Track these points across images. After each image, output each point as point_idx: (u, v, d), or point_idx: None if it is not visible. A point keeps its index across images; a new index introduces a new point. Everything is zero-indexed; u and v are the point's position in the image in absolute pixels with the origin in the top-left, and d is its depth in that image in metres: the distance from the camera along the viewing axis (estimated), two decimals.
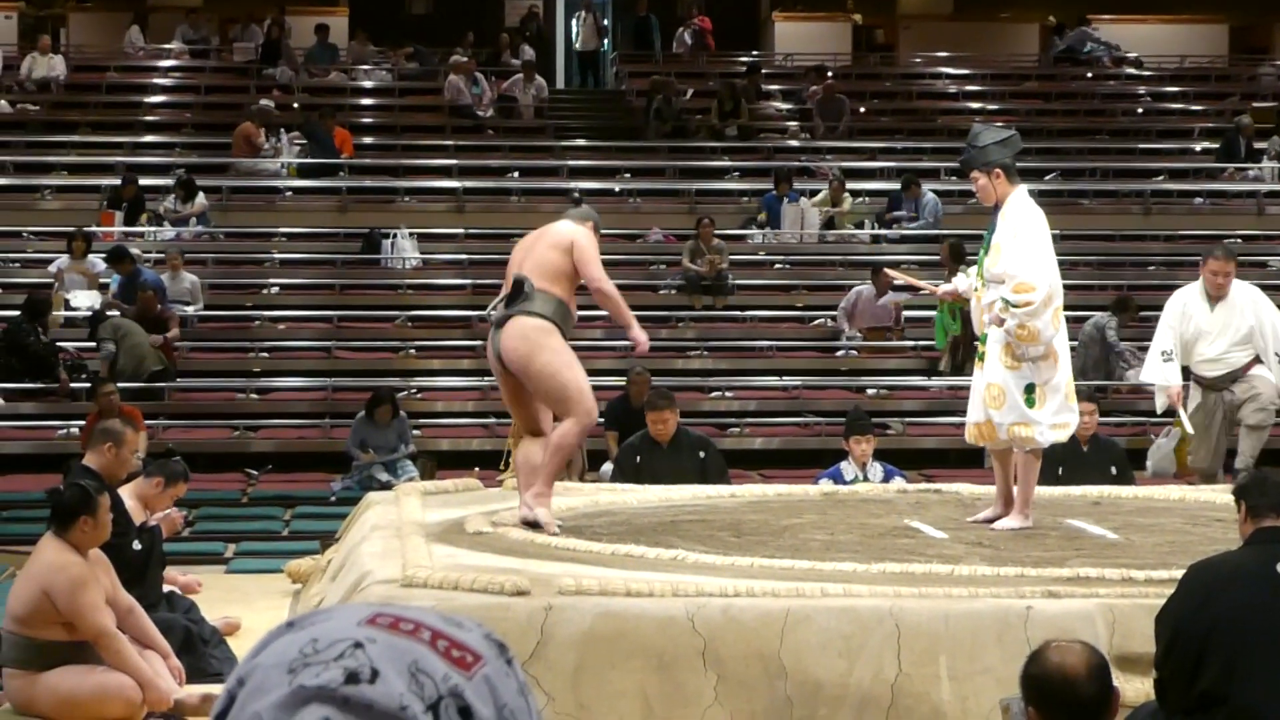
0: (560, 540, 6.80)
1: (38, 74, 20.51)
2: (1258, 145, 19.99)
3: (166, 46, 22.13)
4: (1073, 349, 14.31)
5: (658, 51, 23.11)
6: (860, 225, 18.16)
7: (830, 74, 21.53)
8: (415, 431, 13.16)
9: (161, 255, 16.14)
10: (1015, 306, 7.09)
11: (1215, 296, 9.09)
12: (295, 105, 20.34)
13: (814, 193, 18.23)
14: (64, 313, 15.16)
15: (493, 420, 13.70)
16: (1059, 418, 7.25)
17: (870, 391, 14.80)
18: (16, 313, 14.40)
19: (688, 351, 15.65)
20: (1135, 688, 5.17)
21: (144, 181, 17.61)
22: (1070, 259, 15.08)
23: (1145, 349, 14.82)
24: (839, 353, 15.72)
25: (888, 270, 13.63)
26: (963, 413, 7.66)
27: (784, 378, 15.04)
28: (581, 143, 20.28)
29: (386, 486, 10.62)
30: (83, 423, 12.67)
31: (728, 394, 14.76)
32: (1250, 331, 9.09)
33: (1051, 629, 5.40)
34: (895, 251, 17.30)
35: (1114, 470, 9.84)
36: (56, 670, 6.42)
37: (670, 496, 8.40)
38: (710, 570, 6.22)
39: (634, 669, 5.60)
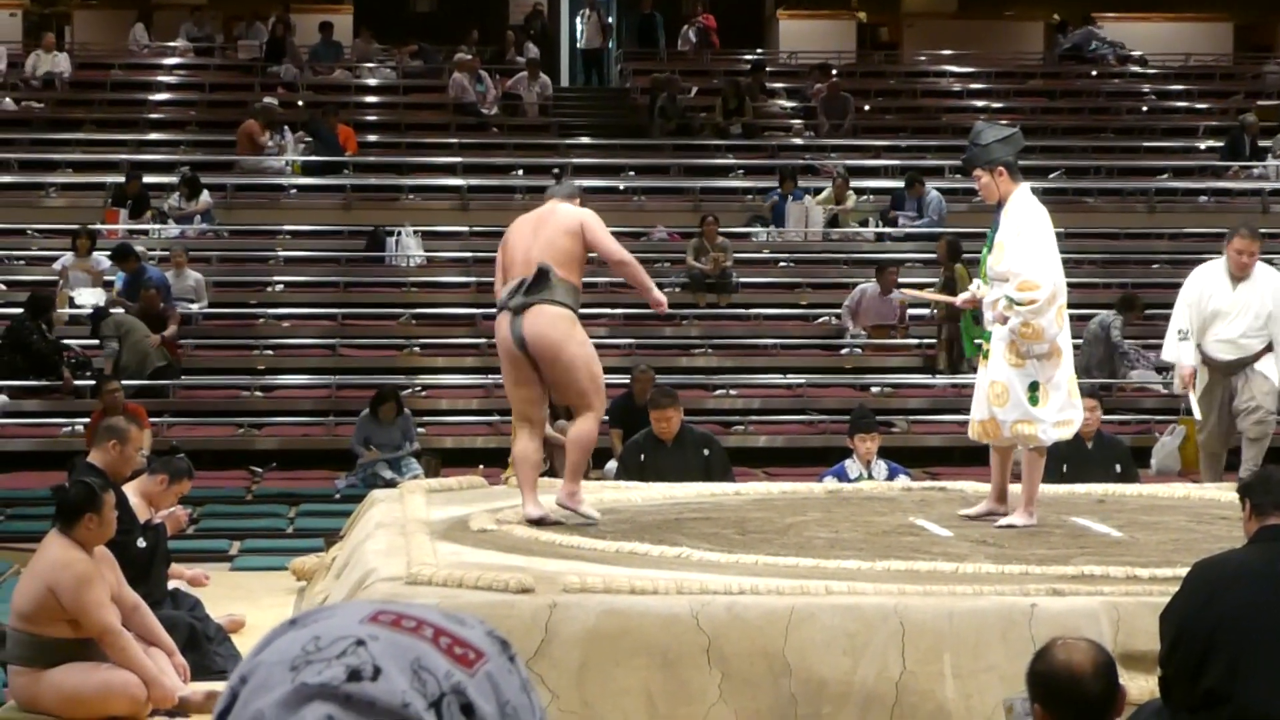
0: (564, 538, 6.81)
1: (42, 71, 20.51)
2: (1262, 143, 19.98)
3: (171, 44, 22.14)
4: (1076, 347, 14.36)
5: (662, 49, 23.10)
6: (864, 223, 18.16)
7: (834, 72, 21.51)
8: (419, 429, 13.16)
9: (166, 253, 16.15)
10: (1020, 304, 7.09)
11: (1238, 276, 8.95)
12: (300, 103, 20.35)
13: (818, 191, 18.23)
14: (68, 310, 15.17)
15: (497, 418, 13.70)
16: (1063, 415, 7.26)
17: (874, 389, 14.80)
18: (21, 310, 14.41)
19: (692, 349, 15.65)
20: (1140, 686, 5.16)
21: (148, 179, 17.62)
22: (1075, 257, 15.07)
23: (1150, 347, 14.89)
24: (843, 351, 15.71)
25: (905, 291, 13.65)
26: (967, 410, 7.66)
27: (788, 376, 15.04)
28: (586, 141, 20.28)
29: (391, 484, 10.63)
30: (87, 420, 12.68)
31: (732, 392, 14.76)
32: (1269, 316, 8.98)
33: (1056, 627, 5.40)
34: (899, 250, 17.30)
35: (1118, 468, 9.83)
36: (61, 667, 6.42)
37: (675, 494, 8.40)
38: (715, 568, 6.23)
39: (638, 667, 5.60)
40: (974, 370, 7.73)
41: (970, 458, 11.85)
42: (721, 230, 16.63)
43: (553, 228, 7.07)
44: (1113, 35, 23.52)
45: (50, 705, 6.45)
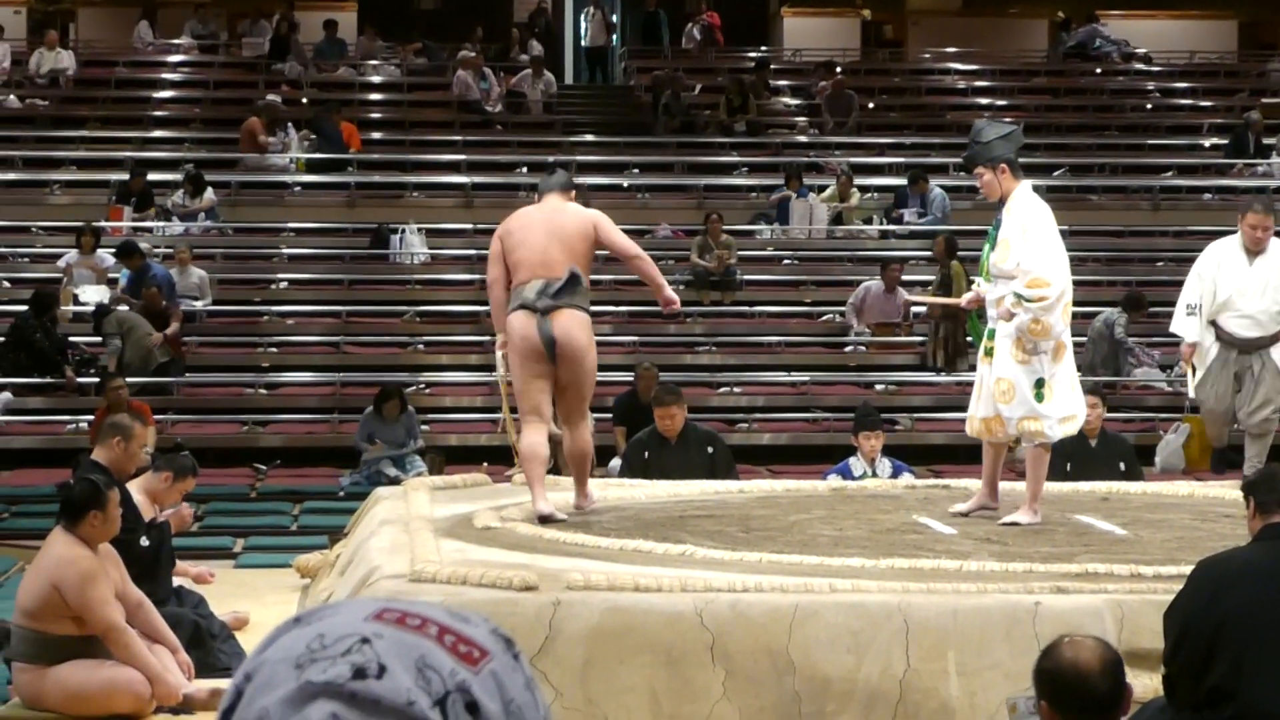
0: (568, 535, 6.81)
1: (46, 69, 20.52)
2: (1267, 141, 19.96)
3: (175, 42, 22.14)
4: (1081, 345, 14.36)
5: (666, 47, 23.10)
6: (869, 221, 18.15)
7: (839, 70, 21.51)
8: (424, 427, 13.17)
9: (170, 250, 16.16)
10: (1029, 301, 7.10)
11: (1254, 251, 8.89)
12: (304, 100, 20.35)
13: (822, 188, 18.23)
14: (72, 308, 15.17)
15: (501, 415, 13.69)
16: (1067, 411, 7.27)
17: (879, 387, 14.80)
18: (25, 308, 14.42)
19: (696, 347, 15.65)
20: (1144, 683, 5.16)
21: (152, 176, 17.63)
22: (1079, 254, 15.06)
23: (1154, 345, 14.89)
24: (847, 348, 15.71)
25: (909, 298, 13.68)
26: None
27: (792, 373, 15.04)
28: (590, 138, 20.28)
29: (395, 481, 10.63)
30: (91, 417, 12.69)
31: (736, 389, 14.76)
32: None
33: (1060, 624, 5.40)
34: (904, 247, 17.30)
35: (1122, 466, 9.82)
36: (66, 665, 6.42)
37: (678, 492, 8.40)
38: (718, 565, 6.22)
39: (642, 664, 5.60)
40: (972, 367, 7.73)
41: (975, 455, 11.76)
42: (726, 228, 16.63)
43: (570, 231, 7.16)
44: (1117, 33, 23.50)
45: (55, 702, 6.45)
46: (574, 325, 7.09)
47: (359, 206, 18.10)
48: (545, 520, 7.06)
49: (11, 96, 20.09)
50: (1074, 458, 9.51)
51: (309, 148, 18.94)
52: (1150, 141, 20.57)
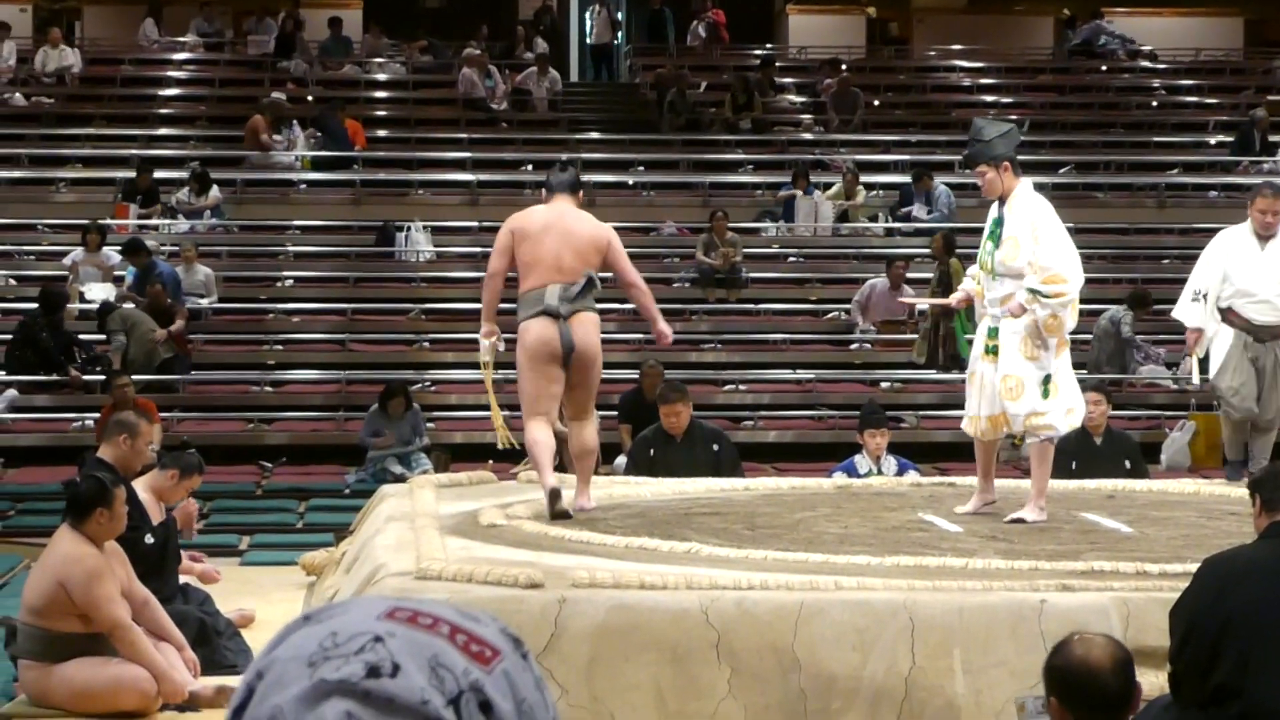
0: (574, 533, 6.82)
1: (51, 66, 20.53)
2: (1272, 138, 19.95)
3: (181, 39, 22.14)
4: (1087, 342, 14.36)
5: (671, 44, 23.09)
6: (874, 218, 18.15)
7: (844, 67, 21.50)
8: (429, 424, 13.17)
9: (176, 248, 16.17)
10: (1047, 297, 7.16)
11: (1264, 235, 8.85)
12: (309, 98, 20.36)
13: (828, 186, 18.23)
14: (78, 305, 15.18)
15: (506, 413, 13.68)
16: (1069, 404, 7.35)
17: (884, 385, 14.80)
18: (32, 305, 14.44)
19: (701, 344, 15.65)
20: (1150, 681, 5.15)
21: (158, 174, 17.64)
22: (1084, 252, 14.88)
23: (1160, 343, 14.88)
24: (853, 346, 15.71)
25: (902, 300, 13.71)
26: None
27: (798, 371, 15.04)
28: (595, 136, 20.28)
29: (401, 479, 10.64)
30: (97, 415, 12.70)
31: (741, 387, 14.76)
32: None
33: (1065, 622, 5.40)
34: (910, 244, 17.29)
35: (1128, 464, 9.81)
36: (72, 662, 6.43)
37: (684, 489, 8.41)
38: (724, 563, 6.23)
39: (648, 662, 5.61)
40: (962, 370, 7.76)
41: None
42: (731, 225, 16.63)
43: (585, 240, 7.25)
44: (1123, 30, 23.49)
45: (61, 700, 6.46)
46: (592, 330, 7.25)
47: (364, 204, 18.11)
48: (555, 495, 7.13)
49: (17, 94, 20.11)
50: (1079, 455, 9.50)
51: (314, 145, 18.94)
52: (1156, 139, 20.56)
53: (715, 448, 9.65)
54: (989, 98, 21.63)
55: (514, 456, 10.91)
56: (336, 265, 16.94)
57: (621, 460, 10.94)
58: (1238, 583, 4.54)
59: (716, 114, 20.41)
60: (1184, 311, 8.90)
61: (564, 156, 18.98)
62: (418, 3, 25.38)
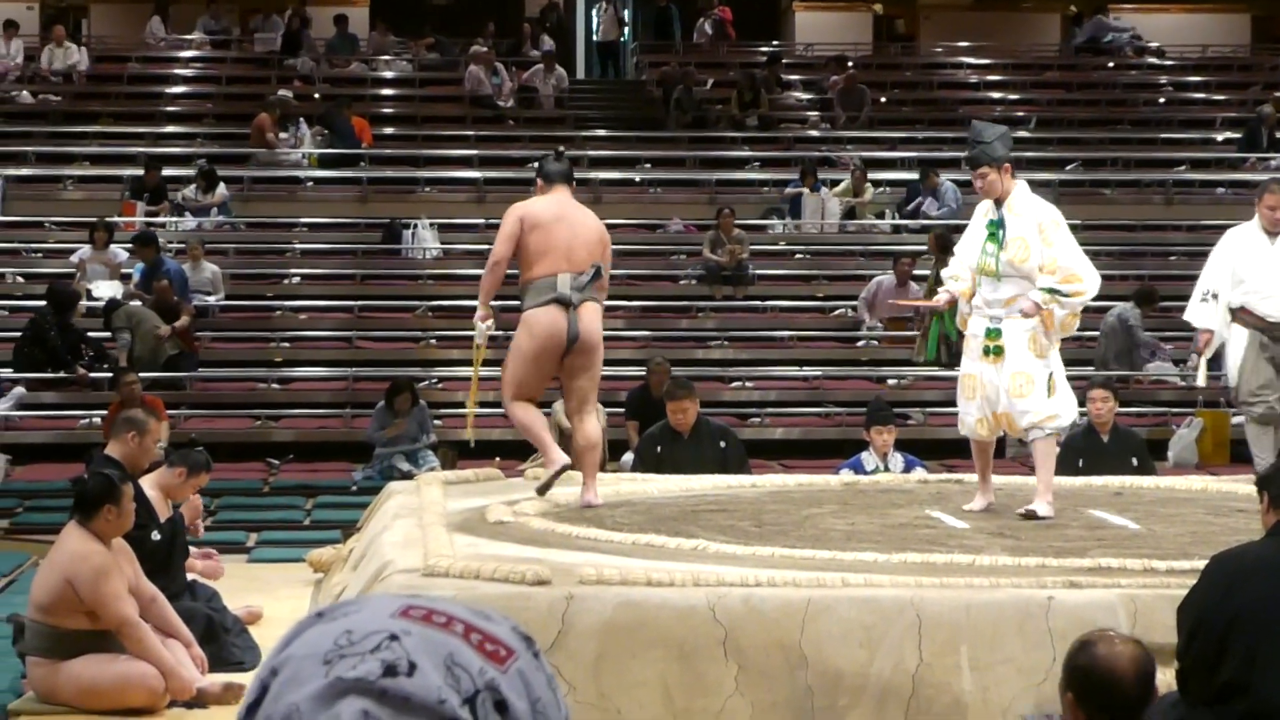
0: (581, 530, 6.82)
1: (57, 64, 20.54)
2: None
3: (188, 37, 22.15)
4: (1093, 340, 14.35)
5: (678, 42, 23.09)
6: (881, 215, 18.14)
7: (851, 64, 21.48)
8: (436, 421, 13.17)
9: (183, 245, 16.18)
10: (1065, 296, 7.23)
11: (1273, 232, 8.82)
12: (316, 96, 20.37)
13: (835, 183, 18.22)
14: (85, 303, 15.19)
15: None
16: (1069, 400, 7.45)
17: (891, 382, 14.79)
18: (40, 303, 14.45)
19: (708, 341, 15.64)
20: (1157, 678, 5.16)
21: (165, 172, 17.65)
22: (1091, 249, 14.91)
23: (1167, 340, 14.86)
24: (859, 343, 15.71)
25: (893, 301, 13.73)
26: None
27: (804, 368, 15.04)
28: (602, 133, 20.28)
29: (408, 476, 10.65)
30: (104, 412, 12.70)
31: (748, 384, 14.76)
32: None
33: (1073, 619, 5.41)
34: (916, 241, 17.27)
35: (1135, 461, 9.80)
36: (79, 659, 6.44)
37: (691, 486, 8.41)
38: (731, 560, 6.23)
39: (655, 659, 5.61)
40: (941, 366, 7.82)
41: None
42: (738, 222, 16.62)
43: (590, 233, 7.43)
44: (1130, 26, 23.45)
45: (68, 697, 6.47)
46: (596, 319, 7.40)
47: (371, 202, 18.11)
48: (564, 469, 7.33)
49: (24, 92, 20.12)
50: (1086, 453, 9.50)
51: (321, 143, 18.95)
52: (1163, 135, 20.54)
53: (722, 445, 9.65)
54: (996, 94, 21.62)
55: (521, 454, 10.92)
56: (343, 263, 16.94)
57: (628, 457, 10.95)
58: (1245, 580, 4.54)
59: (723, 111, 20.41)
60: (1195, 313, 8.88)
61: (570, 154, 19.04)
62: (424, 0, 25.38)
